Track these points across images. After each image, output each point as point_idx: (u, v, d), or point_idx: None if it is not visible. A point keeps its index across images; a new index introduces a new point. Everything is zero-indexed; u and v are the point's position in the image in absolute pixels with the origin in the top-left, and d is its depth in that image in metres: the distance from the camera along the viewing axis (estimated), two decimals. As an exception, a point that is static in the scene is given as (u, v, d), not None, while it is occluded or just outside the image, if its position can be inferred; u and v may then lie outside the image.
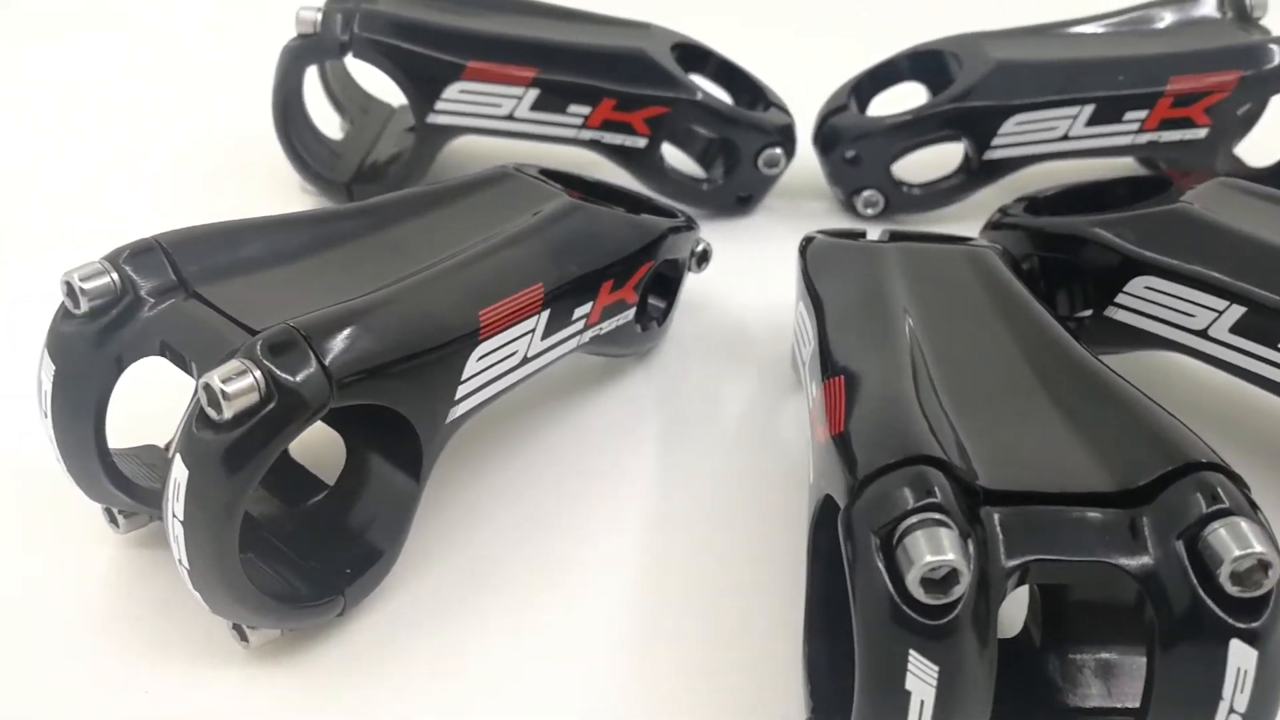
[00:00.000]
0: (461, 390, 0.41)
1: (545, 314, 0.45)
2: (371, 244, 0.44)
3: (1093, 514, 0.33)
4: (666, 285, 0.55)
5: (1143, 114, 0.65)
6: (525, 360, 0.45)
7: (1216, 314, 0.48)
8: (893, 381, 0.38)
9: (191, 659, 0.40)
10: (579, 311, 0.47)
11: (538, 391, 0.52)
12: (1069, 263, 0.54)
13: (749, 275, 0.63)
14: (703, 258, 0.56)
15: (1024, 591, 0.40)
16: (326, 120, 0.72)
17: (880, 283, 0.45)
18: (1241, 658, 0.31)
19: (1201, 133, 0.66)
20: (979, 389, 0.38)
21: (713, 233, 0.58)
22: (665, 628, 0.42)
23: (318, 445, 0.44)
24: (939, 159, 0.69)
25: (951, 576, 0.30)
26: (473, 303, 0.41)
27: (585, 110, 0.65)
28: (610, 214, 0.50)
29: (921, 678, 0.30)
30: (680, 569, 0.45)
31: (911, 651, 0.30)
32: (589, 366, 0.55)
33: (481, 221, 0.47)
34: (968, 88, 0.66)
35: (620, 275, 0.49)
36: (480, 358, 0.42)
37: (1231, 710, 0.31)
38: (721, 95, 0.70)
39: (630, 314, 0.51)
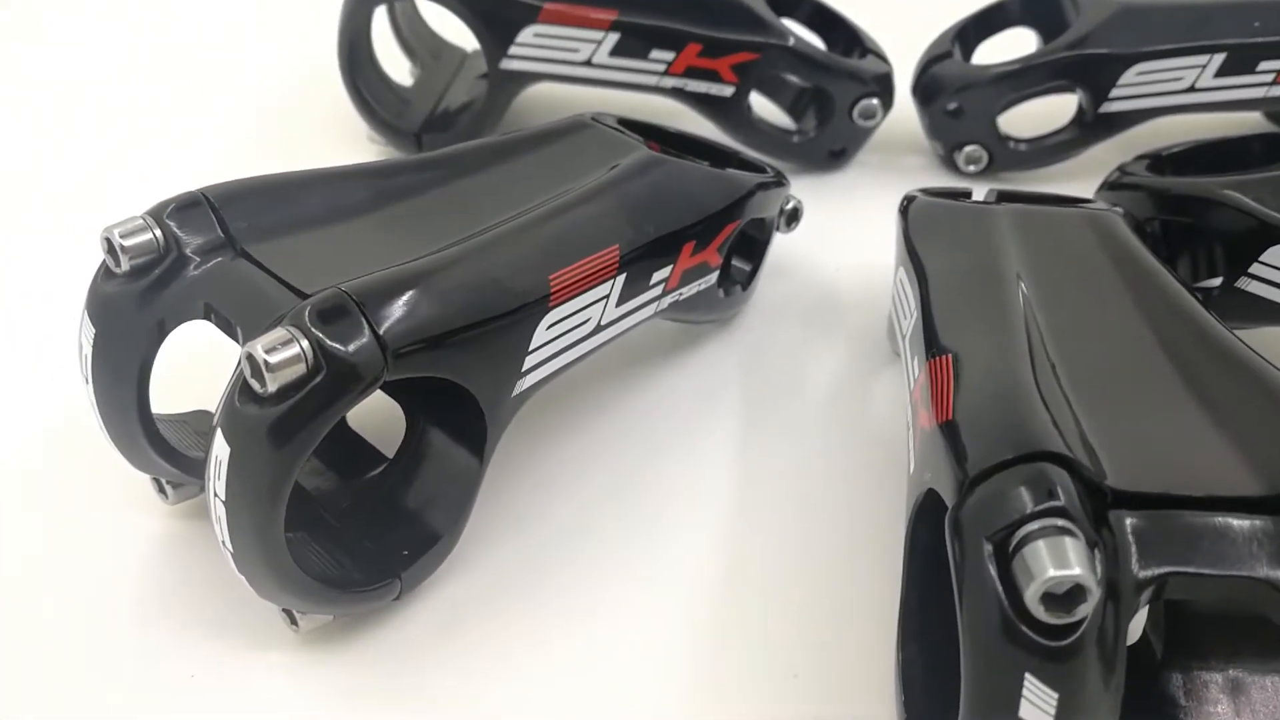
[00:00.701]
0: (529, 361, 0.38)
1: (621, 278, 0.41)
2: (436, 199, 0.41)
3: (1239, 521, 0.29)
4: (752, 246, 0.52)
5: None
6: (599, 328, 0.41)
7: (1371, 289, 0.43)
8: (1008, 363, 0.34)
9: (240, 641, 0.38)
10: (657, 275, 0.43)
11: (610, 360, 0.49)
12: (1197, 227, 0.49)
13: (840, 236, 0.59)
14: (793, 216, 0.52)
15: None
16: (396, 65, 0.68)
17: (991, 249, 0.41)
18: None
19: (1345, 85, 0.60)
20: (1106, 373, 0.34)
21: (802, 189, 0.54)
22: (742, 623, 0.39)
23: (378, 412, 0.41)
24: (1048, 112, 0.64)
25: (1076, 592, 0.26)
26: (543, 266, 0.38)
27: (669, 56, 0.60)
28: (693, 169, 0.46)
29: (1038, 704, 0.27)
30: (759, 558, 0.41)
31: (1028, 675, 0.27)
32: (666, 334, 0.52)
33: (555, 176, 0.43)
34: (1085, 34, 0.60)
35: (703, 236, 0.45)
36: (550, 326, 0.38)
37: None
38: (815, 41, 0.65)
39: (713, 278, 0.47)
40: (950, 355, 0.35)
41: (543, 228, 0.39)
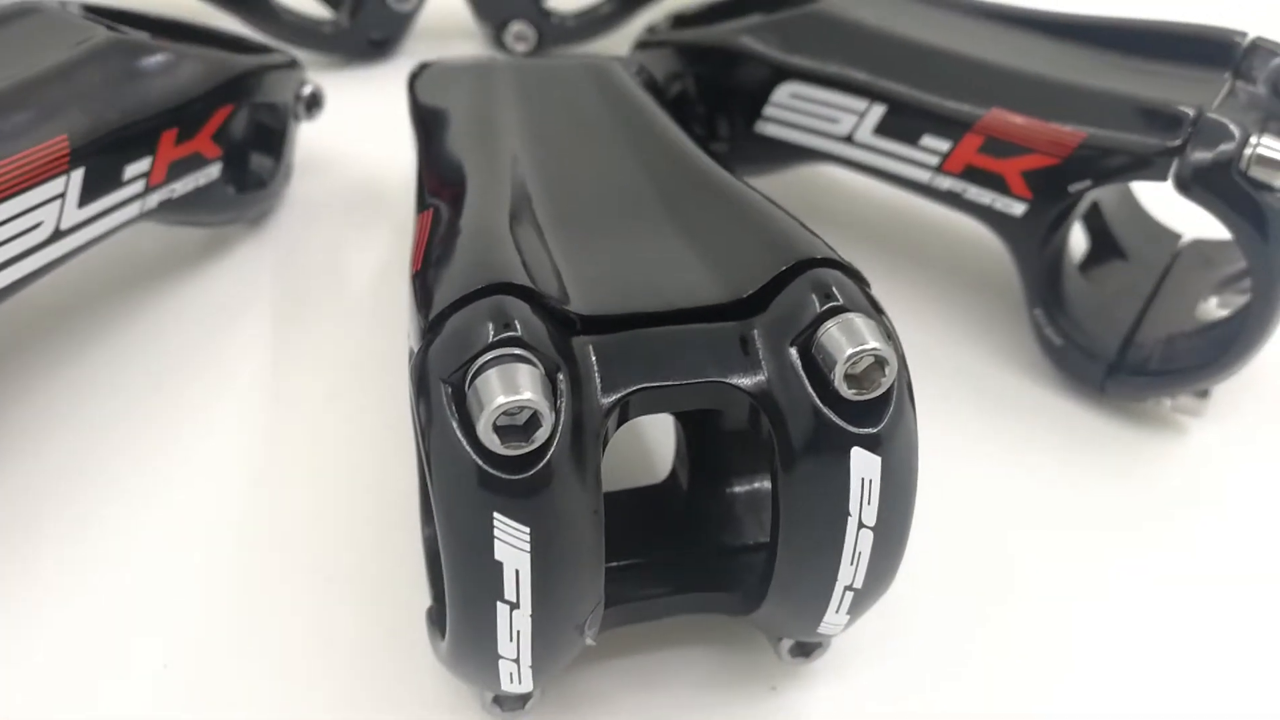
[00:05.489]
0: (-41, 276, 0.33)
1: (78, 174, 0.36)
2: None
3: (701, 330, 0.29)
4: (270, 138, 0.48)
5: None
6: (59, 233, 0.36)
7: (859, 116, 0.45)
8: (481, 209, 0.32)
9: None
10: (133, 169, 0.39)
11: (121, 270, 0.44)
12: (717, 76, 0.50)
13: (387, 128, 0.55)
14: (312, 103, 0.49)
15: (671, 434, 0.36)
16: None
17: (489, 104, 0.39)
18: (865, 466, 0.27)
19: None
20: (588, 210, 0.34)
21: (345, 82, 0.51)
22: (276, 534, 0.36)
23: None
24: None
25: (534, 420, 0.25)
26: (-39, 163, 0.33)
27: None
28: (167, 52, 0.41)
29: (512, 543, 0.26)
30: (295, 465, 0.38)
31: (496, 515, 0.25)
32: (189, 238, 0.47)
33: (-10, 67, 0.37)
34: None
35: (187, 123, 0.41)
36: (-20, 233, 0.33)
37: (861, 525, 0.28)
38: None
39: (214, 171, 0.43)
40: (432, 209, 0.33)
41: (-42, 122, 0.34)
